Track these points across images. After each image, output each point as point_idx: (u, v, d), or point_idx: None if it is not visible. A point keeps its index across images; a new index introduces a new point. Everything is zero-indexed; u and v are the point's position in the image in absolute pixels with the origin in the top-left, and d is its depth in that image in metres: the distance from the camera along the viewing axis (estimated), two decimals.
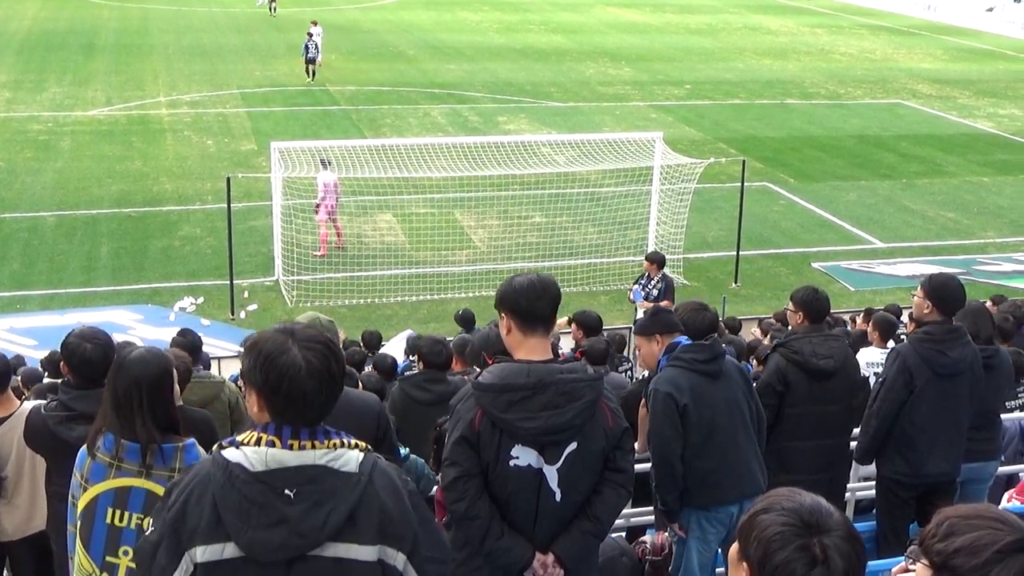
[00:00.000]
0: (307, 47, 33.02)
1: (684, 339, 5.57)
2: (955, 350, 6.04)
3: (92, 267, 17.85)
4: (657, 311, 5.98)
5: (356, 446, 2.87)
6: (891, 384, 6.09)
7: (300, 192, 18.94)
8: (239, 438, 2.84)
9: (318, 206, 18.37)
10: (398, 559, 2.86)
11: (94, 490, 3.91)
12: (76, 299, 16.59)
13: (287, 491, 2.74)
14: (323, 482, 2.78)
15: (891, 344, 8.78)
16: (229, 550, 2.76)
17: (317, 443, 2.81)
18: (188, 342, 7.66)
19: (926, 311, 6.12)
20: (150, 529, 2.88)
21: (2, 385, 5.61)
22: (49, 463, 4.98)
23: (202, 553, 2.76)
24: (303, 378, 2.76)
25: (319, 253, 18.36)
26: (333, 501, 2.76)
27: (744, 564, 2.29)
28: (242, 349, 3.53)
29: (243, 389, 2.96)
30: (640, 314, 13.87)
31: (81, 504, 3.95)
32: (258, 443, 2.79)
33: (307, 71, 33.22)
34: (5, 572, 5.92)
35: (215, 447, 2.87)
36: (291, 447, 2.78)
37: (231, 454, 2.80)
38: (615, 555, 5.47)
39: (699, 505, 5.46)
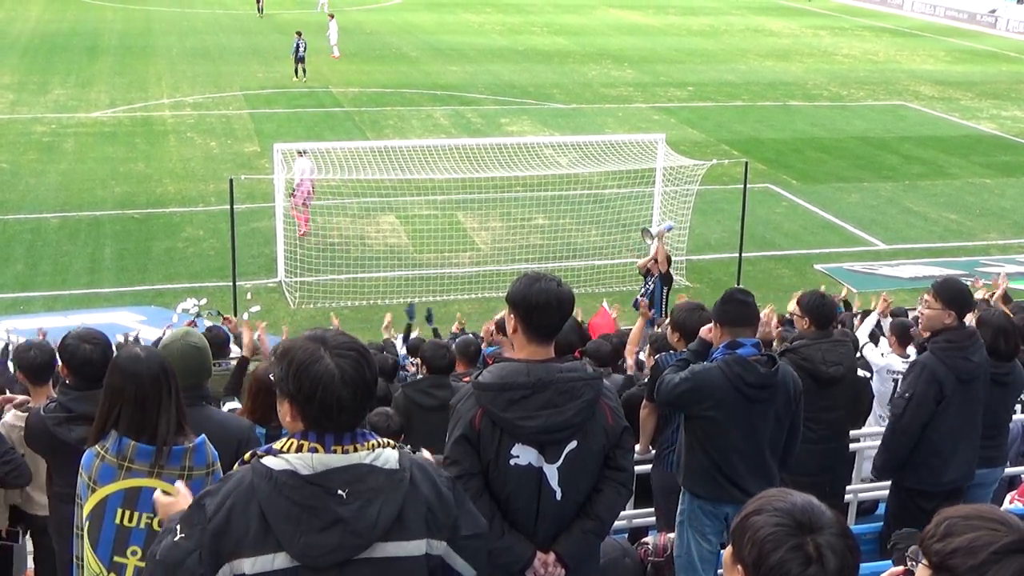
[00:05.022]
0: (297, 46, 33.29)
1: (750, 343, 5.19)
2: (976, 354, 5.93)
3: (95, 269, 17.87)
4: (731, 297, 5.30)
5: (388, 444, 2.88)
6: (921, 399, 5.88)
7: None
8: (276, 446, 2.80)
9: (294, 192, 18.83)
10: (440, 547, 2.89)
11: (103, 491, 3.84)
12: (80, 300, 16.61)
13: (340, 491, 2.73)
14: (371, 480, 2.77)
15: (910, 350, 8.71)
16: (280, 560, 2.71)
17: (359, 445, 2.80)
18: (212, 336, 7.59)
19: (947, 320, 5.87)
20: (179, 536, 2.79)
21: (44, 377, 5.58)
22: (49, 464, 4.97)
23: (251, 565, 2.70)
24: (337, 386, 2.73)
25: (301, 232, 18.81)
26: (383, 498, 2.76)
27: (739, 567, 2.28)
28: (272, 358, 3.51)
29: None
30: (657, 227, 15.24)
31: (88, 506, 3.87)
32: (300, 449, 2.76)
33: (296, 71, 33.43)
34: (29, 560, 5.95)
35: (249, 455, 2.83)
36: (335, 452, 2.77)
37: (272, 462, 2.75)
38: (617, 556, 5.46)
39: (696, 494, 5.41)
